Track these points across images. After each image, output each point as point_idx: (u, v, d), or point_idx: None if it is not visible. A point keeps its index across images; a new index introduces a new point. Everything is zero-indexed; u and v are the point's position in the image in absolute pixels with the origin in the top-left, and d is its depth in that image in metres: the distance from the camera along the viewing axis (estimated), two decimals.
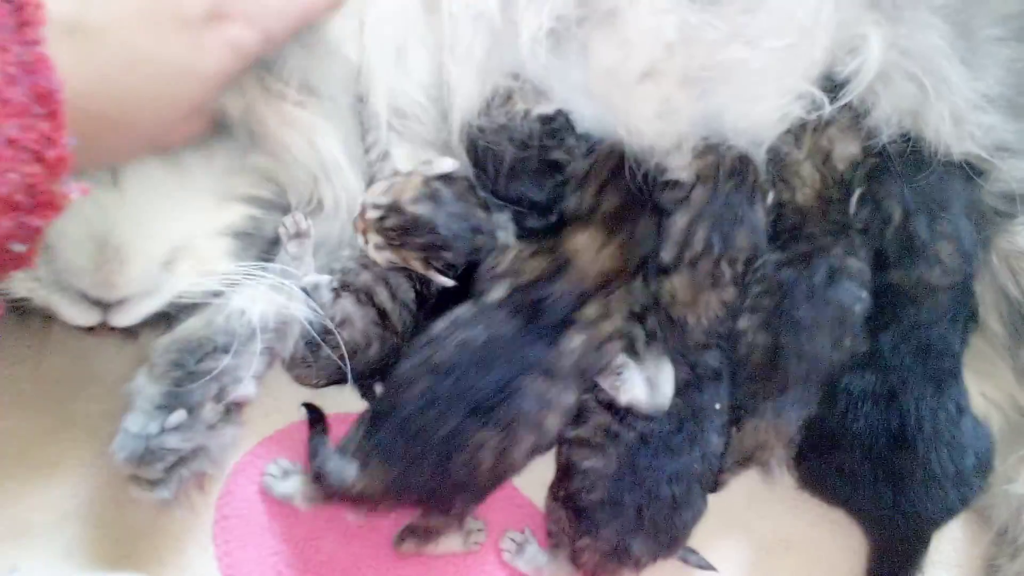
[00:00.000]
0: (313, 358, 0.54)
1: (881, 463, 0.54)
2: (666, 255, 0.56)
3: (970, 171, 0.57)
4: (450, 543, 0.54)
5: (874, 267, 0.57)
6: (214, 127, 0.48)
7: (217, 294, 0.51)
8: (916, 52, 0.56)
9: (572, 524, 0.53)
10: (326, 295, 0.54)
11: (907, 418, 0.54)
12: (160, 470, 0.48)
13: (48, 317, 0.50)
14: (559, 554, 0.54)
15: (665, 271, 0.56)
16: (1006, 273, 0.57)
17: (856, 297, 0.56)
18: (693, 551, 0.56)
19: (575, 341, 0.53)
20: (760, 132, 0.58)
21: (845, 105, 0.57)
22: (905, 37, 0.56)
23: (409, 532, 0.54)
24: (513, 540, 0.56)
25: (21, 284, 0.47)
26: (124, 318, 0.49)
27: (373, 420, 0.52)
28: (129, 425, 0.48)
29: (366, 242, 0.54)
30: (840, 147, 0.58)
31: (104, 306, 0.48)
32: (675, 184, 0.57)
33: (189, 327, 0.51)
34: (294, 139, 0.51)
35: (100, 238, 0.47)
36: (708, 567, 0.56)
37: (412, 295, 0.56)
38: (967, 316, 0.57)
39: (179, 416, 0.49)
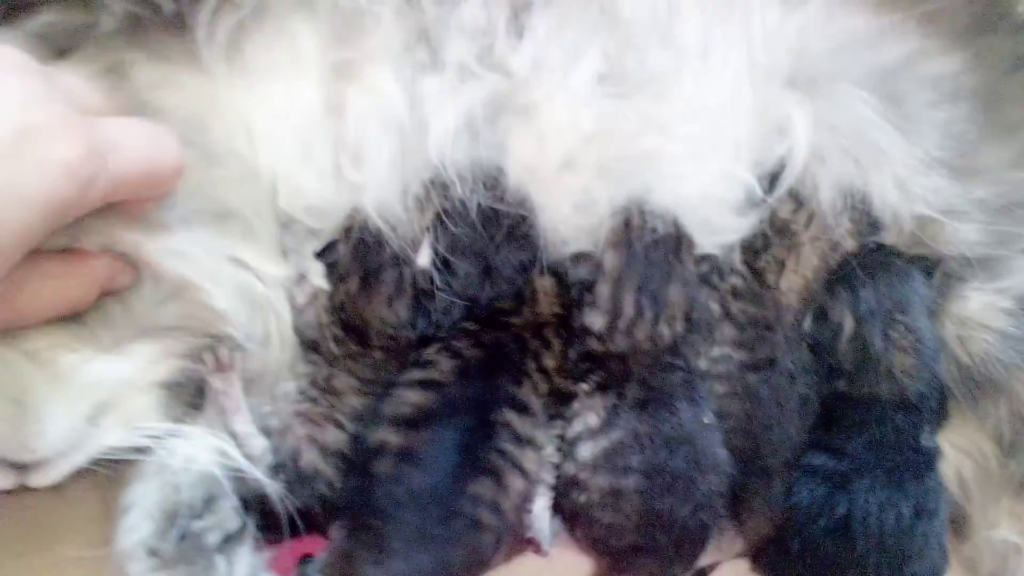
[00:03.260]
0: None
1: (813, 544, 0.53)
2: (596, 323, 0.55)
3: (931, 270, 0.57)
4: None
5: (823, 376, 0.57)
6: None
7: (141, 449, 0.49)
8: (845, 127, 0.55)
9: (606, 562, 0.54)
10: (263, 469, 0.52)
11: (855, 509, 0.52)
12: None
13: None
14: None
15: (600, 338, 0.55)
16: (956, 339, 0.57)
17: (812, 384, 0.56)
18: None
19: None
20: (690, 209, 0.57)
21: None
22: (830, 113, 0.55)
23: None
24: None
25: None
26: (44, 478, 0.47)
27: (351, 526, 0.50)
28: None
29: None
30: (847, 240, 0.58)
31: (25, 468, 0.46)
32: (583, 256, 0.57)
33: (152, 502, 0.49)
34: (207, 271, 0.49)
35: (15, 399, 0.45)
36: None
37: (344, 441, 0.54)
38: (933, 413, 0.56)
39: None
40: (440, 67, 0.53)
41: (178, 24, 0.49)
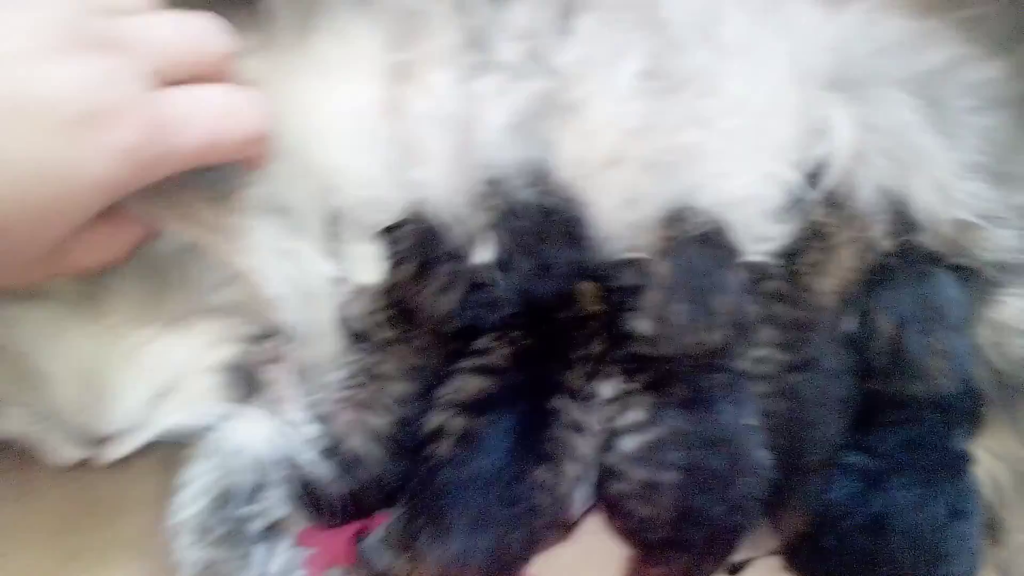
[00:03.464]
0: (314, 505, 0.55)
1: (846, 540, 0.54)
2: (643, 329, 0.56)
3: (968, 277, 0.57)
4: None
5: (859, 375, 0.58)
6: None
7: (204, 428, 0.52)
8: (887, 128, 0.56)
9: (638, 556, 0.55)
10: (314, 454, 0.54)
11: (889, 506, 0.53)
12: None
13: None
14: None
15: (647, 343, 0.56)
16: (992, 344, 0.57)
17: (850, 384, 0.57)
18: None
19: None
20: (732, 209, 0.58)
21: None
22: (872, 115, 0.56)
23: None
24: None
25: (16, 421, 0.49)
26: (113, 452, 0.50)
27: (409, 503, 0.52)
28: None
29: None
30: (884, 242, 0.58)
31: (92, 442, 0.49)
32: (631, 263, 0.58)
33: (206, 482, 0.52)
34: (263, 260, 0.51)
35: (91, 374, 0.48)
36: None
37: (390, 425, 0.56)
38: (966, 416, 0.57)
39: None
40: (492, 67, 0.55)
41: (250, 5, 0.52)
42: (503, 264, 0.56)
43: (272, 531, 0.53)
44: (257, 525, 0.52)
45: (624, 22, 0.55)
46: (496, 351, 0.55)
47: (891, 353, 0.57)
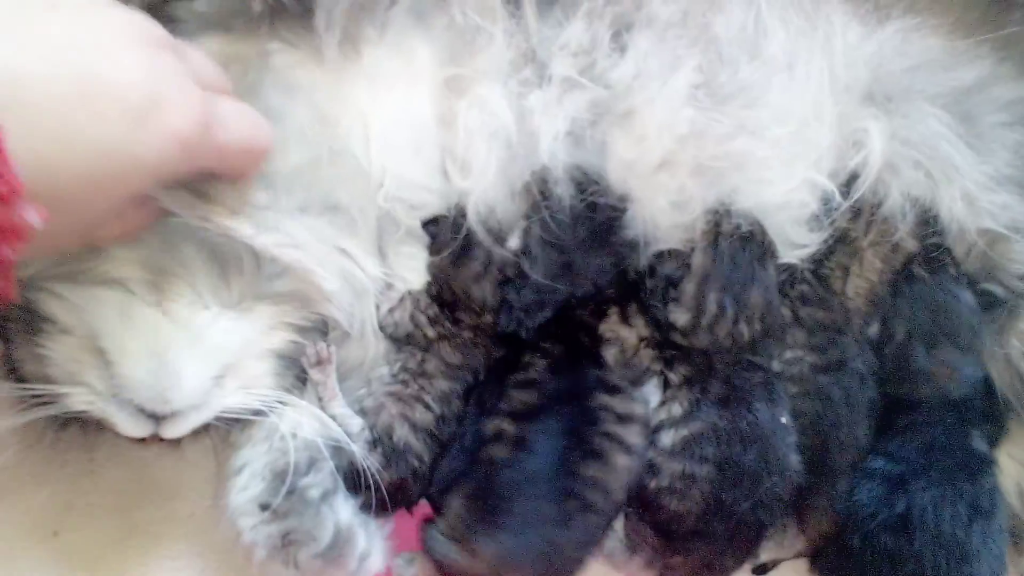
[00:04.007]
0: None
1: (872, 540, 0.55)
2: (680, 319, 0.58)
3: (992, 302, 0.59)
4: None
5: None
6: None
7: (257, 412, 0.54)
8: (918, 141, 0.58)
9: (661, 544, 0.57)
10: (361, 445, 0.56)
11: (913, 506, 0.54)
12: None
13: (102, 429, 0.53)
14: None
15: (683, 334, 0.58)
16: (1020, 354, 0.58)
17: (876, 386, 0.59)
18: None
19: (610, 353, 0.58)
20: (771, 215, 0.59)
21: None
22: (905, 128, 0.58)
23: None
24: None
25: (80, 398, 0.50)
26: (175, 430, 0.51)
27: (469, 498, 0.54)
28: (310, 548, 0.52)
29: None
30: (907, 241, 0.60)
31: (157, 419, 0.50)
32: (672, 253, 0.60)
33: (263, 463, 0.54)
34: (317, 255, 0.53)
35: (157, 354, 0.49)
36: None
37: (431, 420, 0.58)
38: (984, 417, 0.58)
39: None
40: (545, 82, 0.57)
41: (306, 15, 0.54)
42: (527, 251, 0.58)
43: (327, 496, 0.55)
44: (316, 493, 0.54)
45: (677, 39, 0.57)
46: (534, 365, 0.57)
47: (899, 359, 0.59)
